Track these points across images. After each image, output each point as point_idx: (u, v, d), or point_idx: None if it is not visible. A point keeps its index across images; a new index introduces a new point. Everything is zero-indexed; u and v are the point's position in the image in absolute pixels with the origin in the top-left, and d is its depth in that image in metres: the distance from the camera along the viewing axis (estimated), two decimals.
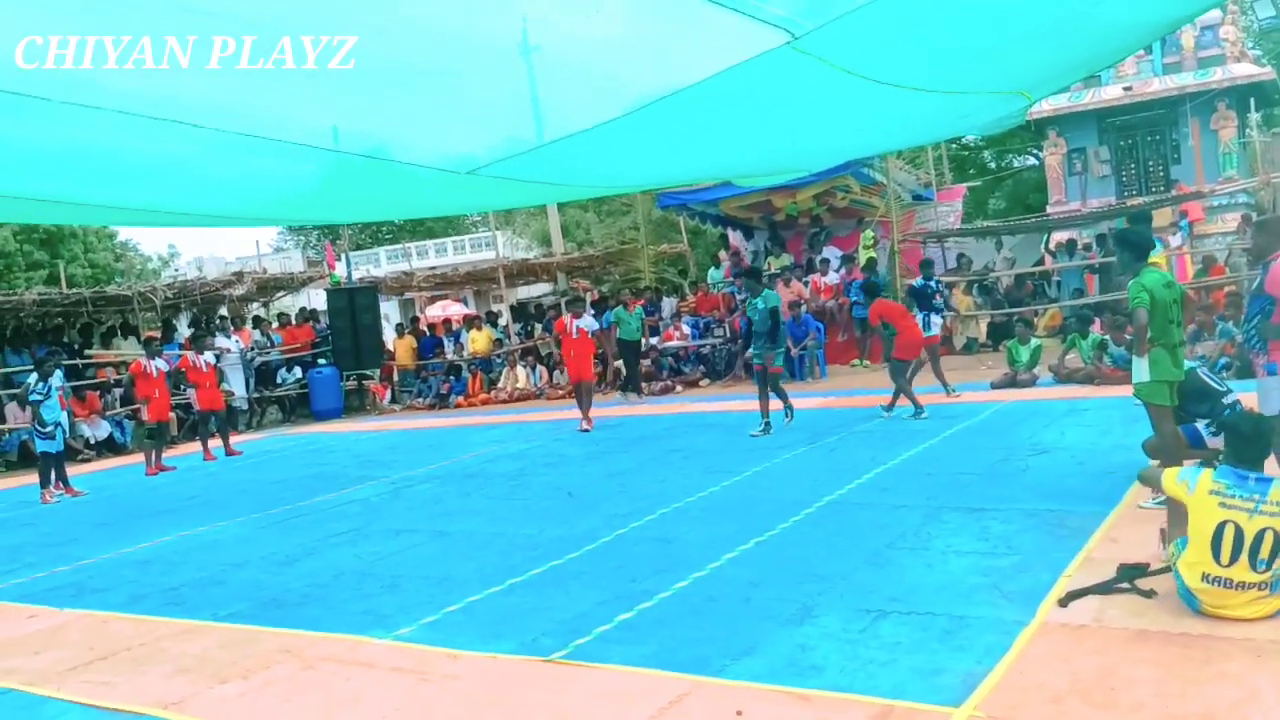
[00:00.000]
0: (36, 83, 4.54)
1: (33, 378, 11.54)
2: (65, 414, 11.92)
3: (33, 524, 10.01)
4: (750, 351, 11.61)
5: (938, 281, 13.38)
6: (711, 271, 20.42)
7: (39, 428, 11.31)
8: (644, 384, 17.04)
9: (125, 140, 5.64)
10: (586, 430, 12.18)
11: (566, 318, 13.25)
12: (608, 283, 26.33)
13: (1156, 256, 6.13)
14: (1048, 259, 19.05)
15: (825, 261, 17.82)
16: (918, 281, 13.10)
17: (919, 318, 11.89)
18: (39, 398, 11.18)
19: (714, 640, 4.37)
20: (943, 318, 13.43)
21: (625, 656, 4.26)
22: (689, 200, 18.74)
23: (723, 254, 20.73)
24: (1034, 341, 12.89)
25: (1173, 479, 4.37)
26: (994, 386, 12.04)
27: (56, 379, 11.68)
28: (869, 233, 18.12)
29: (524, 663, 4.36)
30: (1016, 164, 34.08)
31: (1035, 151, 30.74)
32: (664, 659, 4.19)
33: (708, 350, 17.61)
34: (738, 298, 18.15)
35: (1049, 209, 22.83)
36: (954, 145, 26.99)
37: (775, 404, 10.55)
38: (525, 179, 7.74)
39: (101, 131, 5.46)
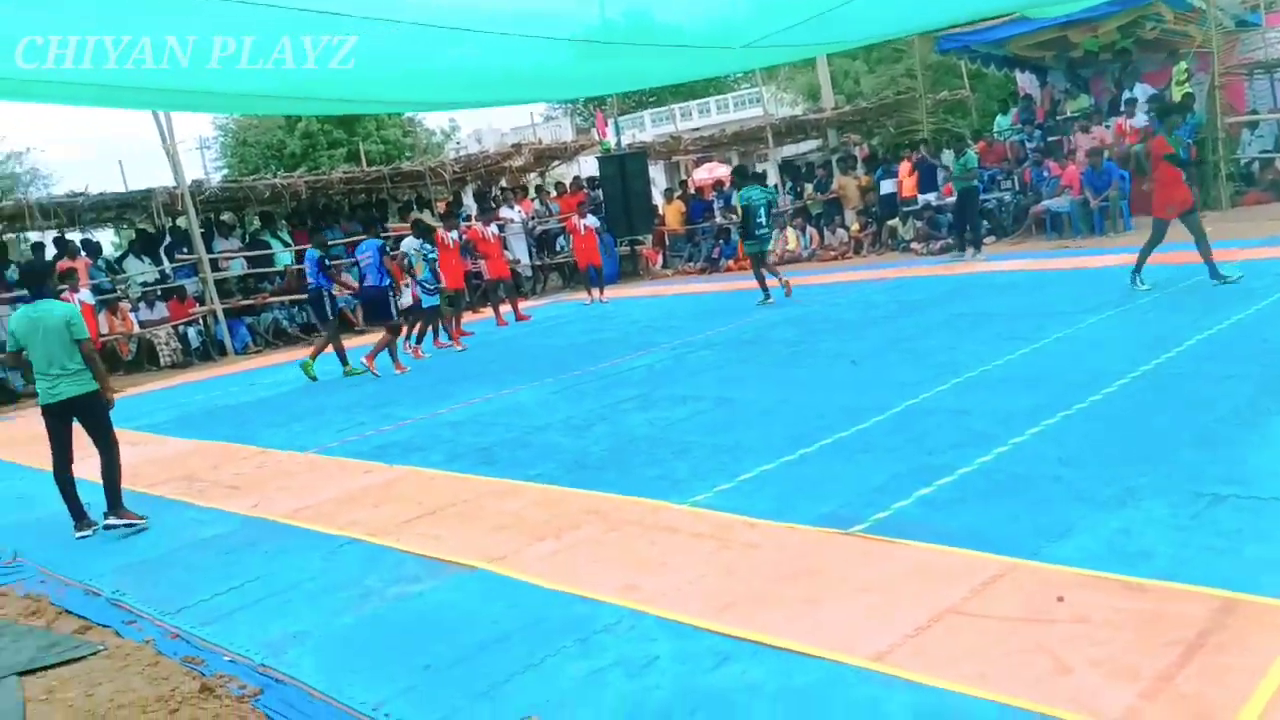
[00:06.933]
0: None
1: (416, 242, 12.59)
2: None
3: (358, 385, 11.08)
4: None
5: None
6: (999, 119, 18.92)
7: (425, 285, 12.44)
8: (921, 243, 16.35)
9: (418, 48, 5.91)
10: None
11: None
12: (879, 136, 25.10)
13: None
14: None
15: (1132, 101, 16.00)
16: None
17: None
18: (434, 257, 12.39)
19: (1024, 520, 4.16)
20: None
21: (928, 533, 4.15)
22: (971, 41, 17.34)
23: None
24: None
25: None
26: None
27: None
28: (1183, 65, 16.04)
29: (823, 534, 4.35)
30: None
31: None
32: (971, 537, 4.03)
33: (992, 205, 16.50)
34: (1028, 146, 16.81)
35: None
36: None
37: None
38: (797, 43, 7.40)
39: (396, 42, 5.74)
